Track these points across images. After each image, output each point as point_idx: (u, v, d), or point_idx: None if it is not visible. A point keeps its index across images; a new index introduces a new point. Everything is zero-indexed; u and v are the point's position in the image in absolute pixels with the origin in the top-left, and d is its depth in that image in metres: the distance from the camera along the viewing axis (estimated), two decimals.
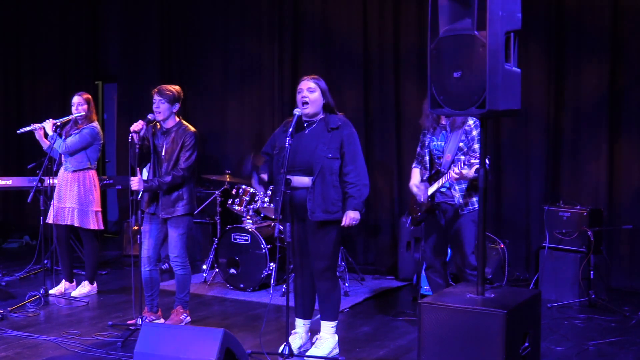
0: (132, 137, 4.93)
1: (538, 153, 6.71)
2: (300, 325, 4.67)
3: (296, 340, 4.61)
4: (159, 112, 5.05)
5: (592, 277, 5.81)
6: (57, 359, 4.55)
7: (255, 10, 8.10)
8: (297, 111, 4.43)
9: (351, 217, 4.37)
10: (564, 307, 5.77)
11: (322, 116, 4.47)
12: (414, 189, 4.92)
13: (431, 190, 4.77)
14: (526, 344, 3.64)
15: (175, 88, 5.14)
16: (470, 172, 4.48)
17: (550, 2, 6.59)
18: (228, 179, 6.90)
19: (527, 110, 6.54)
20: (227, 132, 8.31)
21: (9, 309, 5.56)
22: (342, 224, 4.39)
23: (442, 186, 4.75)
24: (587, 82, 6.51)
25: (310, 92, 4.40)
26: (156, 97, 5.06)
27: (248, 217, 6.48)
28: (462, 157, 4.52)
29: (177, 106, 5.12)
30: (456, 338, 3.51)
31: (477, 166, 4.37)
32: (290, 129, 4.35)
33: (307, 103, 4.39)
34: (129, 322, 5.19)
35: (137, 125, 4.93)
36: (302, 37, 7.83)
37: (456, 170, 4.47)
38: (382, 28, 7.40)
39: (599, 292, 5.87)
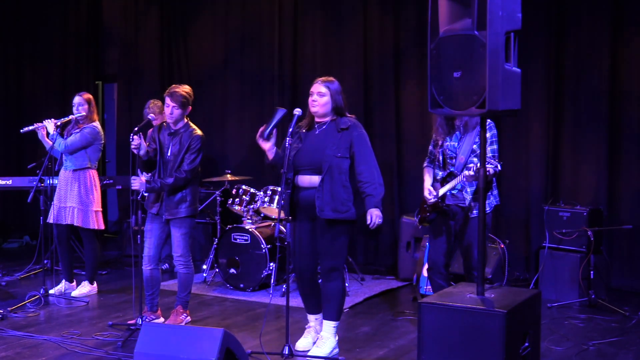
0: (136, 153, 4.95)
1: (538, 153, 6.71)
2: (313, 320, 4.73)
3: (311, 333, 4.69)
4: (171, 117, 5.06)
5: (592, 277, 5.82)
6: (57, 359, 4.55)
7: (255, 9, 8.10)
8: (296, 111, 4.48)
9: (375, 213, 4.38)
10: (564, 307, 5.77)
11: (332, 118, 4.52)
12: (427, 194, 4.80)
13: (442, 191, 4.73)
14: (526, 344, 3.64)
15: (186, 91, 5.10)
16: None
17: (550, 2, 6.59)
18: (228, 179, 6.90)
19: (527, 110, 6.54)
20: (227, 132, 8.31)
21: (9, 309, 5.56)
22: (368, 223, 4.39)
23: (453, 188, 4.72)
24: (587, 82, 6.51)
25: (320, 97, 4.47)
26: (169, 102, 5.03)
27: (248, 217, 6.48)
28: (475, 160, 4.52)
29: (188, 109, 5.12)
30: (456, 338, 3.51)
31: (492, 168, 4.38)
32: (290, 129, 4.40)
33: (315, 107, 4.48)
34: (129, 322, 5.19)
35: (135, 143, 4.92)
36: (302, 37, 7.83)
37: (469, 173, 4.44)
38: (382, 27, 7.41)
39: (599, 292, 5.88)
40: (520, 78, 3.57)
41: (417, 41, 7.11)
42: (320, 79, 4.54)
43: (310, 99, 4.50)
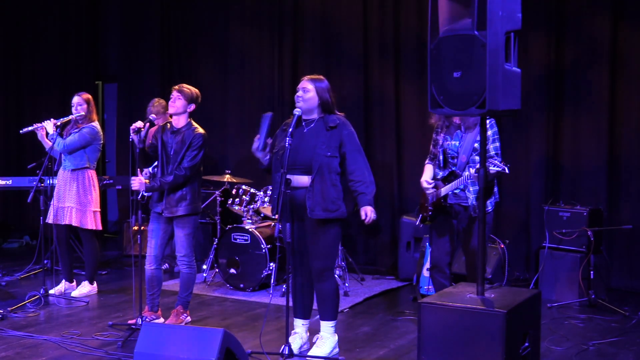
0: (132, 138, 4.95)
1: (538, 153, 6.71)
2: (300, 326, 4.67)
3: (296, 340, 4.61)
4: (173, 106, 5.07)
5: (592, 277, 5.81)
6: (57, 359, 4.55)
7: (255, 10, 8.11)
8: (296, 111, 4.48)
9: (370, 210, 4.39)
10: (564, 307, 5.77)
11: (320, 116, 4.51)
12: (424, 184, 4.85)
13: (444, 190, 4.74)
14: (526, 344, 3.65)
15: (195, 90, 5.17)
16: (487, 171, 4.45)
17: (550, 2, 6.59)
18: (228, 179, 6.90)
19: (527, 110, 6.53)
20: (227, 132, 8.32)
21: (9, 309, 5.56)
22: (363, 218, 4.40)
23: (456, 187, 4.72)
24: (587, 82, 6.51)
25: (305, 92, 4.47)
26: (175, 93, 5.09)
27: (248, 217, 6.48)
28: (477, 158, 4.53)
29: (192, 107, 5.13)
30: (456, 338, 3.51)
31: (497, 168, 4.36)
32: (290, 129, 4.38)
33: (299, 102, 4.48)
34: (129, 322, 5.19)
35: (136, 126, 4.93)
36: (302, 37, 7.83)
37: (473, 171, 4.43)
38: (382, 27, 7.41)
39: (599, 292, 5.87)
40: (520, 78, 3.57)
41: (417, 40, 7.12)
42: (308, 76, 4.55)
43: (296, 95, 4.52)
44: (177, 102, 5.07)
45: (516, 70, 3.53)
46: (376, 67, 7.46)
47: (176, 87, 5.15)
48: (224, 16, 8.31)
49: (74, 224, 5.97)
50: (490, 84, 3.41)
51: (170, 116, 5.18)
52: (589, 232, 5.82)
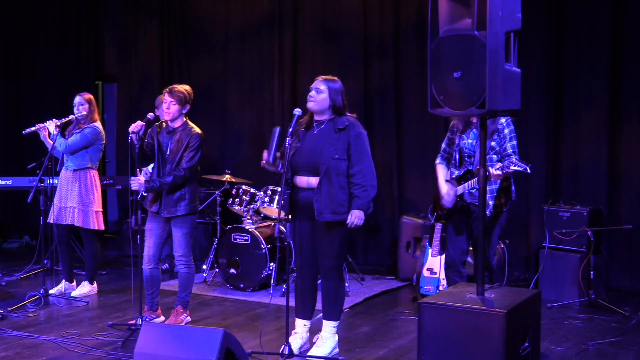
0: (131, 138, 4.94)
1: (538, 153, 6.71)
2: (301, 326, 4.67)
3: (297, 340, 4.61)
4: (168, 113, 5.05)
5: (592, 277, 5.81)
6: (57, 359, 4.56)
7: (255, 9, 8.11)
8: (296, 111, 4.48)
9: (356, 215, 4.34)
10: (564, 307, 5.77)
11: (330, 117, 4.49)
12: (445, 188, 4.79)
13: (460, 189, 4.73)
14: (526, 344, 3.65)
15: (186, 89, 5.13)
16: (507, 170, 4.42)
17: (550, 1, 6.59)
18: (228, 179, 6.90)
19: (527, 110, 6.53)
20: (227, 132, 8.32)
21: (9, 309, 5.56)
22: (347, 222, 4.37)
23: (472, 187, 4.71)
24: (587, 81, 6.51)
25: (318, 93, 4.46)
26: (167, 97, 5.05)
27: (248, 217, 6.48)
28: (495, 157, 4.53)
29: (187, 107, 5.12)
30: (456, 338, 3.52)
31: (518, 168, 4.34)
32: (290, 129, 4.39)
33: (310, 102, 4.47)
34: (129, 322, 5.19)
35: (136, 126, 4.93)
36: (302, 37, 7.83)
37: (497, 172, 4.40)
38: (382, 26, 7.41)
39: (599, 292, 5.87)
40: (520, 78, 3.58)
41: (418, 39, 7.12)
42: (322, 76, 4.54)
43: (308, 94, 4.50)
44: (171, 108, 5.05)
45: (516, 70, 3.54)
46: (376, 67, 7.46)
47: (167, 90, 5.10)
48: (224, 15, 8.31)
49: (76, 224, 5.97)
50: (490, 84, 3.41)
51: None
52: (589, 232, 5.82)
